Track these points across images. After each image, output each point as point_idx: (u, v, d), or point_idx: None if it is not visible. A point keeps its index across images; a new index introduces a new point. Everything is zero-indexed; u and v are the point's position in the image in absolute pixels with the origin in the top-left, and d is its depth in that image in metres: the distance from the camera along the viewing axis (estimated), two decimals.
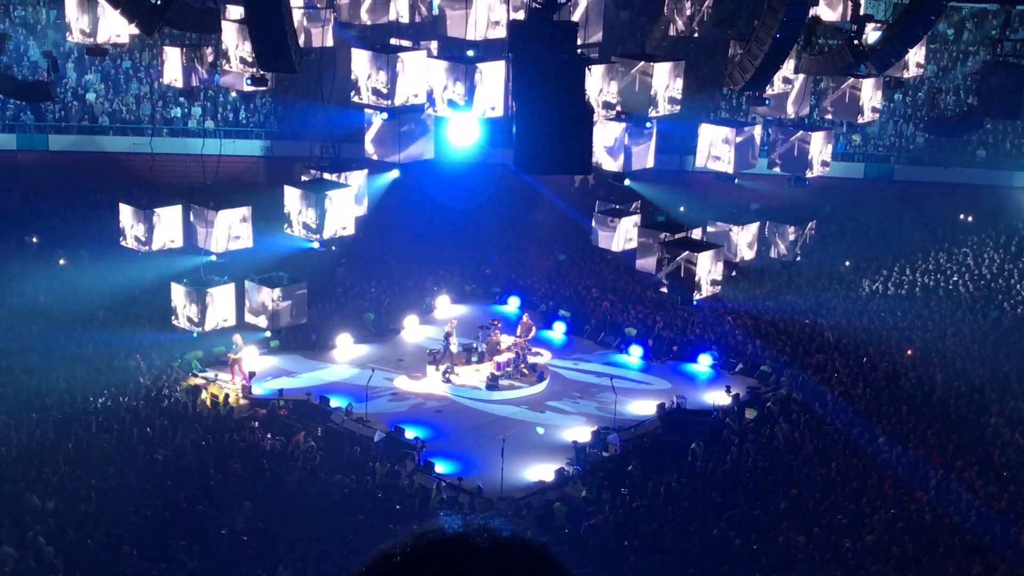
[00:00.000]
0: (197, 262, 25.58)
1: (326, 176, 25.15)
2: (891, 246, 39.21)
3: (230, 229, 24.76)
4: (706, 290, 24.87)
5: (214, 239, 24.62)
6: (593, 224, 28.23)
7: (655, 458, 25.98)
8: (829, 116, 26.80)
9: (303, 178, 25.96)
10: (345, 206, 24.12)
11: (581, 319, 34.46)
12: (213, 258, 25.14)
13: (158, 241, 24.77)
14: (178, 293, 25.63)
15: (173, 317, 25.92)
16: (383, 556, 2.00)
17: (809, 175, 26.41)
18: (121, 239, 25.17)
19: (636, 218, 27.61)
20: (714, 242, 25.99)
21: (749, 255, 27.97)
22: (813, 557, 21.32)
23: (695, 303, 25.55)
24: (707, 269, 24.72)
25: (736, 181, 26.41)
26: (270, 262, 27.53)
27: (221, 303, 25.55)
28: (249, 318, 26.52)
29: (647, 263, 26.28)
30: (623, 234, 27.21)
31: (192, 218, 25.04)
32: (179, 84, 25.43)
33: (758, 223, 28.26)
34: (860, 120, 26.31)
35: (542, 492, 24.69)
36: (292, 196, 24.07)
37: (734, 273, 26.47)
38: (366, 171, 25.88)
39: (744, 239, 27.67)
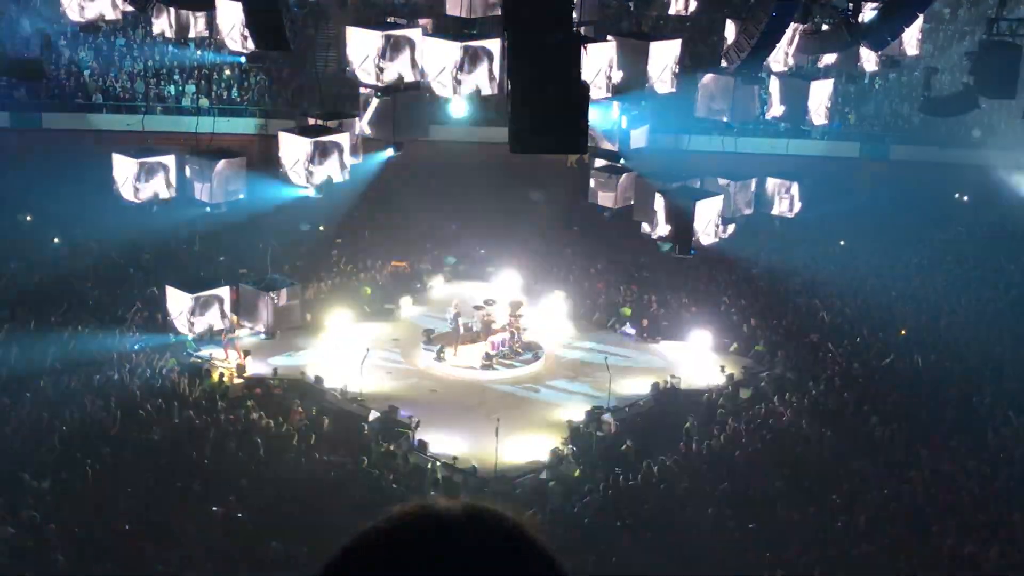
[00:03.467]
0: (192, 215, 25.53)
1: (321, 123, 25.05)
2: (886, 226, 39.20)
3: (226, 181, 24.68)
4: (704, 240, 24.84)
5: (209, 189, 24.54)
6: (591, 183, 28.09)
7: (649, 437, 26.00)
8: (825, 64, 26.60)
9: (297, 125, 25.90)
10: (342, 151, 24.03)
11: (576, 298, 34.42)
12: (208, 209, 25.11)
13: (150, 191, 24.68)
14: (173, 296, 25.63)
15: (170, 318, 25.94)
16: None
17: (811, 124, 26.32)
18: (114, 189, 25.09)
19: (635, 175, 27.41)
20: (713, 190, 25.94)
21: (747, 211, 27.90)
22: (807, 536, 21.39)
23: (692, 252, 25.55)
24: (706, 218, 24.66)
25: (735, 130, 26.38)
26: (263, 213, 27.54)
27: (216, 306, 25.59)
28: (244, 321, 26.57)
29: (645, 216, 26.21)
30: (622, 191, 27.08)
31: (188, 171, 24.96)
32: (170, 34, 25.32)
33: (755, 179, 28.17)
34: (861, 69, 26.18)
35: (536, 471, 24.72)
36: (287, 142, 23.92)
37: (731, 228, 26.45)
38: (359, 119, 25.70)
39: (742, 197, 27.59)
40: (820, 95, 26.12)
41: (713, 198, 25.07)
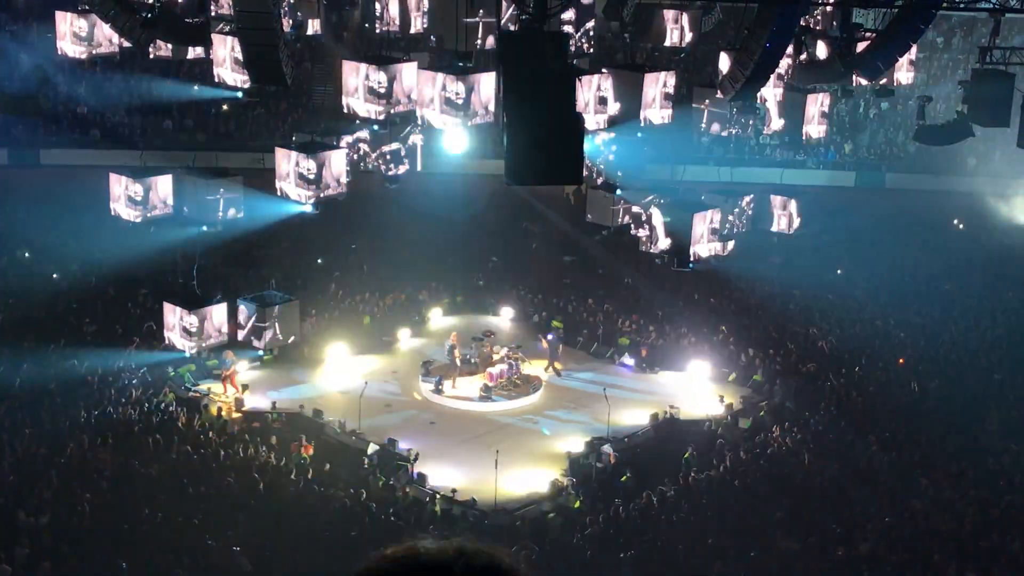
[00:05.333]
0: (191, 233, 25.60)
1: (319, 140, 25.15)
2: (883, 254, 39.25)
3: (222, 201, 24.74)
4: (702, 252, 24.90)
5: (205, 209, 24.60)
6: (586, 200, 28.14)
7: (649, 468, 25.94)
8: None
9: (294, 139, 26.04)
10: (339, 166, 24.09)
11: (574, 329, 34.39)
12: (204, 228, 25.15)
13: (146, 210, 24.71)
14: (170, 312, 25.61)
15: (166, 335, 25.89)
16: None
17: (806, 136, 26.44)
18: (111, 209, 25.08)
19: (632, 191, 27.51)
20: (710, 203, 26.07)
21: (744, 228, 27.97)
22: (808, 566, 21.30)
23: (690, 266, 25.63)
24: (703, 231, 24.73)
25: (731, 145, 26.56)
26: (261, 228, 27.67)
27: (213, 322, 25.54)
28: (241, 337, 26.52)
29: (643, 231, 26.33)
30: (620, 208, 27.16)
31: (184, 191, 25.04)
32: (169, 55, 25.51)
33: (750, 196, 28.25)
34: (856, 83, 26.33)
35: (536, 503, 24.64)
36: (284, 157, 23.96)
37: (731, 245, 26.53)
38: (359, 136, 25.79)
39: (740, 213, 27.64)
40: (816, 108, 26.24)
41: (710, 210, 25.18)
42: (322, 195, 23.83)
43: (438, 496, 24.50)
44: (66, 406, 26.41)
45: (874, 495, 23.99)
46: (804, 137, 26.79)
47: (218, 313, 26.06)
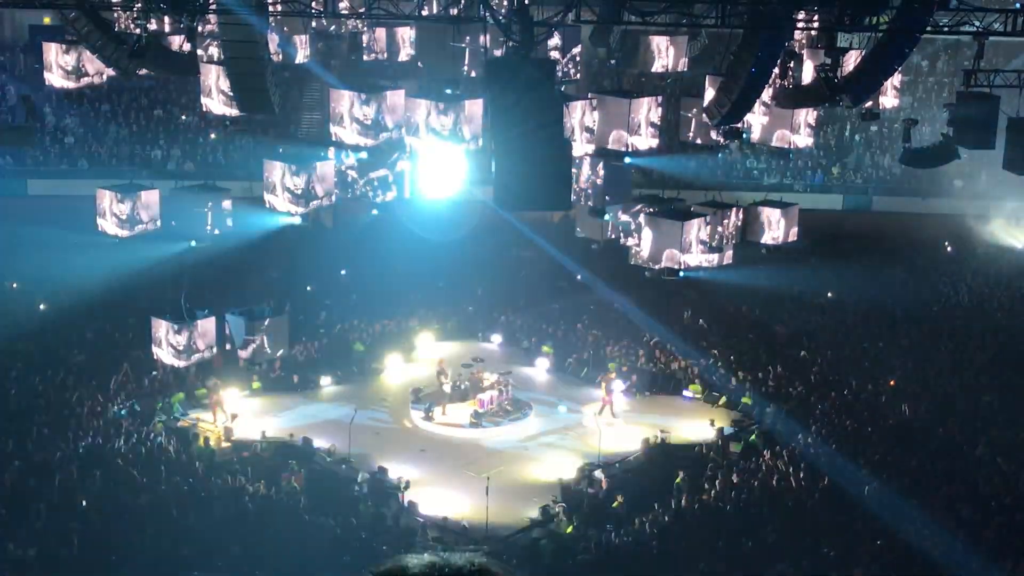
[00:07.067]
0: (179, 248, 25.65)
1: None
2: (871, 276, 39.34)
3: (211, 216, 24.80)
4: (691, 263, 24.96)
5: (193, 224, 24.66)
6: (576, 216, 28.15)
7: (640, 493, 25.87)
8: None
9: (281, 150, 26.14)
10: (327, 177, 24.13)
11: (564, 355, 34.34)
12: (192, 243, 25.16)
13: (133, 224, 24.72)
14: (158, 328, 25.56)
15: (154, 350, 25.82)
16: None
17: (792, 145, 26.52)
18: (99, 224, 25.05)
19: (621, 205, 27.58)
20: (700, 212, 26.09)
21: (730, 240, 28.04)
22: None
23: (680, 275, 25.64)
24: (692, 240, 24.78)
25: (725, 143, 26.64)
26: (251, 243, 27.70)
27: (202, 337, 25.50)
28: (229, 350, 26.52)
29: (633, 241, 26.38)
30: (611, 223, 27.20)
31: (172, 203, 25.09)
32: (155, 72, 25.65)
33: (738, 208, 28.31)
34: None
35: (528, 529, 24.55)
36: (274, 168, 23.98)
37: (715, 257, 26.56)
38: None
39: (729, 223, 27.66)
40: (802, 119, 26.33)
41: (698, 219, 25.22)
42: (311, 206, 23.91)
43: (429, 524, 24.39)
44: (55, 437, 26.28)
45: (866, 518, 23.94)
46: (791, 146, 26.86)
47: (206, 328, 25.99)
